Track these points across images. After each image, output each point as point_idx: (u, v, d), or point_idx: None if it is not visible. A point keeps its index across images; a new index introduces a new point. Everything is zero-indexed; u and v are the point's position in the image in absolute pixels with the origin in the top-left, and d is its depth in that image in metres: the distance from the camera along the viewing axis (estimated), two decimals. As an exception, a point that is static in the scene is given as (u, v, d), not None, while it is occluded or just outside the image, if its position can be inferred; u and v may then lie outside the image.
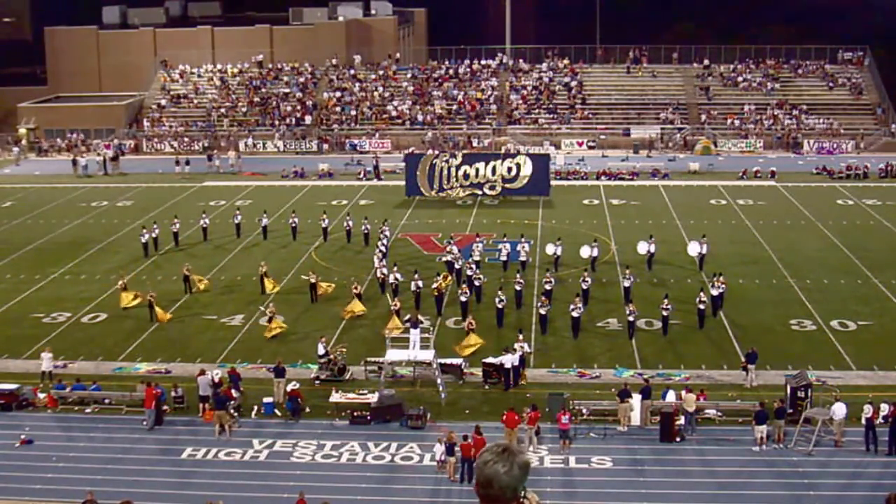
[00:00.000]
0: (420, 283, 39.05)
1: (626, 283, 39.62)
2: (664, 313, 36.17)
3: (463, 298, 37.96)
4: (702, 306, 36.75)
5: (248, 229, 50.98)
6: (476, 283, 39.87)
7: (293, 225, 49.95)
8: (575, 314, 35.86)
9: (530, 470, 5.79)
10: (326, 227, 49.83)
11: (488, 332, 35.95)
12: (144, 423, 29.58)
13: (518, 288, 38.96)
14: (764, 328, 36.72)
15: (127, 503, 22.40)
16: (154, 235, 48.14)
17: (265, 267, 42.00)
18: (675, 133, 76.09)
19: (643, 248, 44.30)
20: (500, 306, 37.27)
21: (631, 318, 35.84)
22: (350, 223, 49.44)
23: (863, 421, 27.46)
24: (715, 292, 38.08)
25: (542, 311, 36.51)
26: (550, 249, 43.98)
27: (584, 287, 38.74)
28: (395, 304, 37.44)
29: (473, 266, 41.43)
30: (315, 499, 23.94)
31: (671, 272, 43.54)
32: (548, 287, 38.89)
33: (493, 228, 51.27)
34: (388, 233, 47.20)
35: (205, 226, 50.22)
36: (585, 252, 43.63)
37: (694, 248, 44.11)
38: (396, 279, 39.93)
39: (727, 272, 42.87)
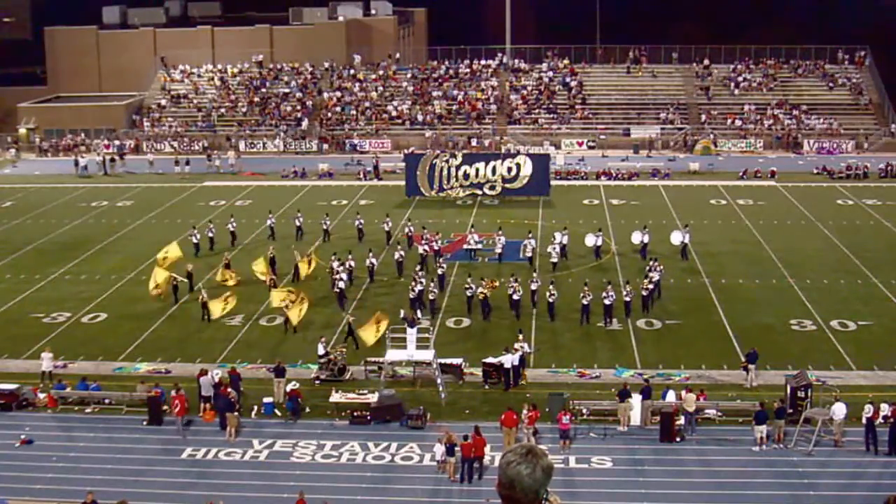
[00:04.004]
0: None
1: (533, 286, 38.93)
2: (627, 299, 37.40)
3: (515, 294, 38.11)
4: (651, 286, 38.41)
5: (247, 230, 50.97)
6: (440, 272, 41.44)
7: (298, 224, 49.96)
8: (607, 302, 36.75)
9: (553, 472, 5.74)
10: (328, 227, 49.92)
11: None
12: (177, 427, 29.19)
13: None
14: (764, 328, 36.72)
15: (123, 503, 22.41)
16: (210, 235, 48.20)
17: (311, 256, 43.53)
18: (674, 133, 76.09)
19: (637, 237, 45.59)
20: (550, 300, 37.67)
21: (627, 299, 37.25)
22: (361, 222, 49.65)
23: (863, 420, 27.45)
24: (655, 276, 39.20)
25: (585, 302, 36.97)
26: (557, 238, 45.19)
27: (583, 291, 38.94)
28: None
29: (442, 262, 42.45)
30: (315, 499, 23.98)
31: (666, 265, 43.41)
32: (533, 287, 38.93)
33: (494, 228, 51.15)
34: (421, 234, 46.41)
35: (210, 235, 49.57)
36: (590, 241, 45.09)
37: (677, 237, 45.40)
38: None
39: (727, 272, 43.19)
